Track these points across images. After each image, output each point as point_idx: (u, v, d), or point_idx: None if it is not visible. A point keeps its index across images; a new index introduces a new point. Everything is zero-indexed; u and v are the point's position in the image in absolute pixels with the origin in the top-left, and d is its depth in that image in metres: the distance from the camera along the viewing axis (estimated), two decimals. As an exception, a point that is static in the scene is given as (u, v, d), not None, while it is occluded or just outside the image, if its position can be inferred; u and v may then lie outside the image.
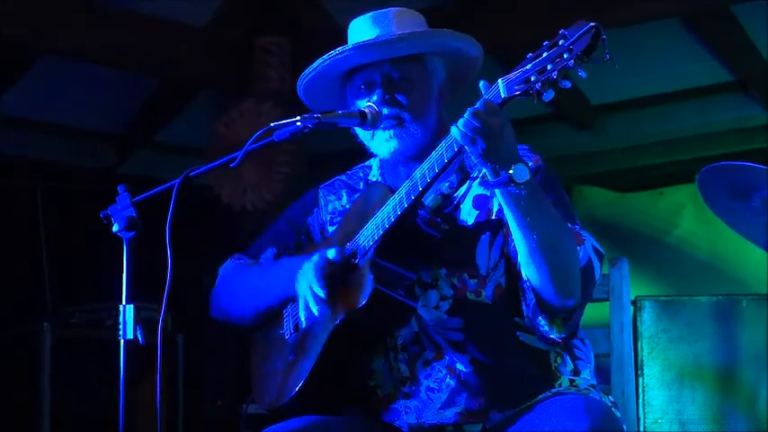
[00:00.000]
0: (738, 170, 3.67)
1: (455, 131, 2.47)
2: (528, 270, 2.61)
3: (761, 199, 3.73)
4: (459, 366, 2.72)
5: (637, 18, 5.85)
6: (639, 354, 4.62)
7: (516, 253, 2.68)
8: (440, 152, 2.61)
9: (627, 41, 5.84)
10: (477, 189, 2.81)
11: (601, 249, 2.70)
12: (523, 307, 2.70)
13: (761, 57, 6.24)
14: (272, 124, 2.69)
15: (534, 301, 2.64)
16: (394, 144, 2.81)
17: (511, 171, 2.45)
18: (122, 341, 2.68)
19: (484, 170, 2.51)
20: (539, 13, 5.74)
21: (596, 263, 2.66)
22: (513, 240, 2.68)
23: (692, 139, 6.98)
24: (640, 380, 4.59)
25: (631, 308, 3.54)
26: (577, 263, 2.61)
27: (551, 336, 2.68)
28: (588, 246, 2.66)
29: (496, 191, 2.53)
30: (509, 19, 6.02)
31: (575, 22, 2.36)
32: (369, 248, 2.72)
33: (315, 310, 2.73)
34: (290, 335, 2.90)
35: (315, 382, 2.75)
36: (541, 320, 2.66)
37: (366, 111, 2.78)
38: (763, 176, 3.60)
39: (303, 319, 2.81)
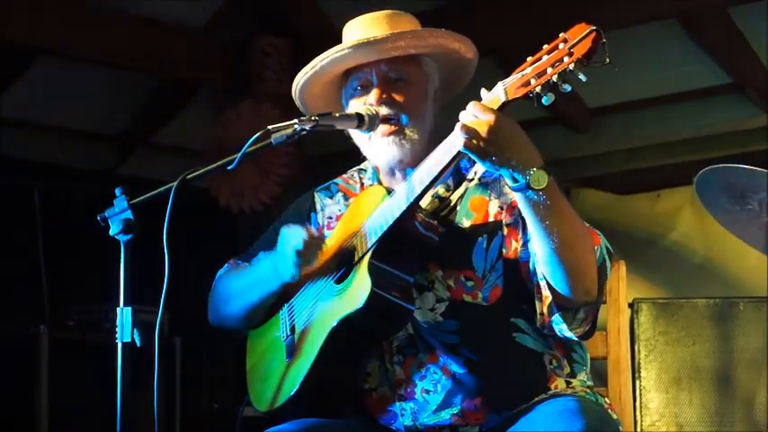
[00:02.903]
0: (736, 172, 3.66)
1: (454, 137, 2.47)
2: (546, 270, 2.61)
3: (759, 201, 3.73)
4: (454, 368, 2.72)
5: (634, 20, 5.85)
6: (637, 356, 4.63)
7: (523, 254, 2.69)
8: (438, 155, 2.61)
9: (624, 43, 5.84)
10: (473, 191, 2.81)
11: (611, 248, 2.71)
12: (537, 305, 2.70)
13: (758, 59, 6.24)
14: (269, 127, 2.69)
15: (551, 298, 2.64)
16: (394, 151, 2.81)
17: (528, 177, 2.45)
18: (119, 344, 2.68)
19: (502, 174, 2.50)
20: (538, 15, 5.73)
21: (608, 264, 2.68)
22: (515, 242, 2.69)
23: (689, 141, 6.97)
24: (637, 382, 4.60)
25: (628, 310, 3.55)
26: (595, 262, 2.62)
27: (567, 334, 2.68)
28: (603, 245, 2.67)
29: (514, 195, 2.53)
30: (508, 21, 6.02)
31: (574, 25, 2.36)
32: (366, 251, 2.71)
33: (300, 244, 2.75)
34: (286, 337, 2.90)
35: (311, 384, 2.75)
36: (558, 319, 2.65)
37: (364, 113, 2.78)
38: (761, 179, 3.60)
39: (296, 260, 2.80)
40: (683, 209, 7.01)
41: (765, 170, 3.55)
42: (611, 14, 5.61)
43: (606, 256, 2.66)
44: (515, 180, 2.47)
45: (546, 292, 2.64)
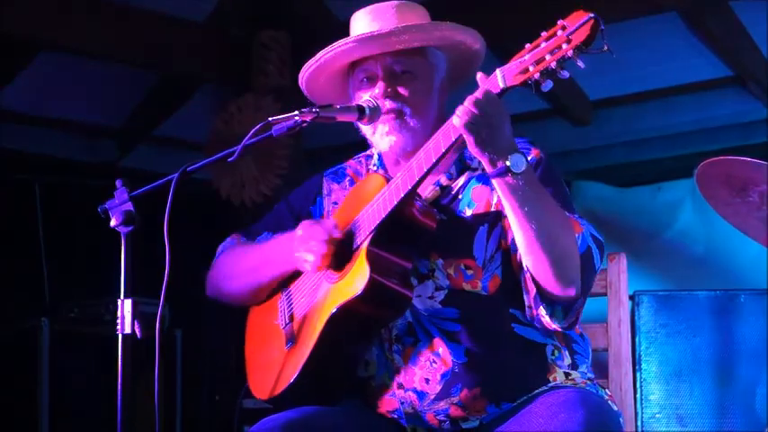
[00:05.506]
0: (737, 165, 3.66)
1: (455, 121, 2.48)
2: (527, 260, 2.62)
3: (759, 194, 3.73)
4: (454, 357, 2.72)
5: (635, 12, 5.84)
6: (637, 349, 4.63)
7: (513, 246, 2.69)
8: (436, 141, 2.61)
9: (625, 36, 5.84)
10: (476, 181, 2.82)
11: (600, 237, 2.70)
12: (525, 297, 2.70)
13: (759, 51, 6.24)
14: (270, 119, 2.70)
15: (535, 290, 2.64)
16: (393, 138, 2.82)
17: (508, 162, 2.47)
18: (120, 336, 2.68)
19: (480, 161, 2.52)
20: (540, 5, 5.73)
21: (596, 251, 2.67)
22: (512, 232, 2.69)
23: (690, 134, 6.98)
24: (638, 375, 4.60)
25: (629, 303, 3.54)
26: (576, 251, 2.61)
27: (553, 326, 2.68)
28: (587, 234, 2.66)
29: (494, 181, 2.54)
30: (510, 11, 6.02)
31: (572, 13, 2.37)
32: (365, 237, 2.72)
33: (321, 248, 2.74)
34: (285, 325, 2.90)
35: (310, 372, 2.76)
36: (542, 310, 2.66)
37: (364, 105, 2.78)
38: (761, 171, 3.60)
39: (309, 260, 2.78)
40: (684, 201, 7.01)
41: (766, 162, 3.55)
42: (612, 7, 5.60)
43: (592, 244, 2.66)
44: (494, 165, 2.49)
45: (530, 285, 2.65)
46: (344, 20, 2.98)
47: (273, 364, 2.88)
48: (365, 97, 2.82)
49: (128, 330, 2.68)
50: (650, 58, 6.47)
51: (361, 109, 2.78)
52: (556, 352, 2.79)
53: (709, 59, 6.49)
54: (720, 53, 6.41)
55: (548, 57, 2.37)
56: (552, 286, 2.61)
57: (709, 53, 6.43)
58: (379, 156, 2.99)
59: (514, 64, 2.44)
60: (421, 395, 2.75)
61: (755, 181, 3.62)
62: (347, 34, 2.92)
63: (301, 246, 2.78)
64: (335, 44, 2.85)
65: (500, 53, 5.77)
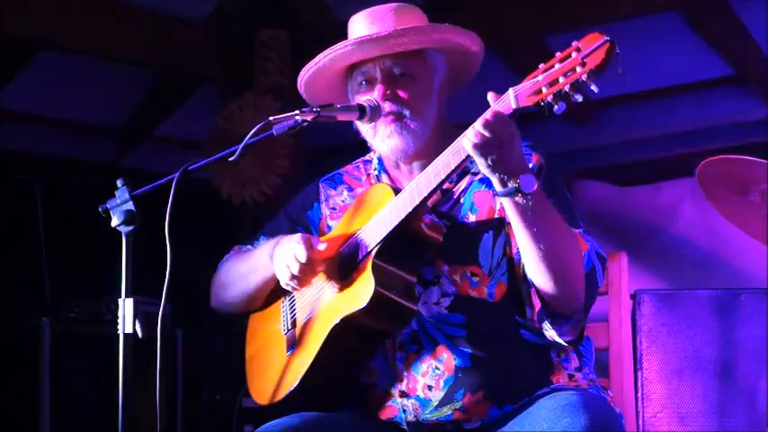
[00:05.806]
0: (737, 164, 3.66)
1: (465, 143, 2.46)
2: (533, 276, 2.62)
3: (760, 192, 3.72)
4: (457, 363, 2.71)
5: (635, 11, 5.84)
6: (638, 348, 4.62)
7: (518, 256, 2.68)
8: (446, 158, 2.60)
9: (626, 35, 5.83)
10: (478, 185, 2.81)
11: (603, 254, 2.70)
12: (528, 311, 2.70)
13: (760, 50, 6.23)
14: (270, 118, 2.70)
15: (540, 305, 2.64)
16: (394, 141, 2.81)
17: (518, 182, 2.45)
18: (121, 335, 2.68)
19: (492, 179, 2.50)
20: (540, 6, 5.72)
21: (599, 269, 2.67)
22: (516, 243, 2.69)
23: (690, 133, 6.97)
24: (639, 374, 4.60)
25: (630, 302, 3.54)
26: (582, 269, 2.62)
27: (558, 340, 2.68)
28: (592, 252, 2.66)
29: (503, 200, 2.53)
30: (510, 11, 6.01)
31: (587, 34, 2.32)
32: (370, 250, 2.71)
33: (295, 269, 2.74)
34: (287, 331, 2.90)
35: (313, 379, 2.76)
36: (547, 325, 2.66)
37: (365, 104, 2.78)
38: (762, 170, 3.60)
39: (288, 281, 2.80)
40: (685, 200, 7.01)
41: (766, 161, 3.55)
42: (612, 6, 5.60)
43: (596, 262, 2.66)
44: (505, 184, 2.47)
45: (536, 300, 2.65)
46: (345, 19, 2.98)
47: (274, 370, 2.88)
48: (363, 98, 2.82)
49: (129, 330, 2.68)
50: (650, 57, 6.46)
51: (362, 108, 2.78)
52: (562, 354, 2.79)
53: (710, 59, 6.48)
54: (720, 52, 6.40)
55: (561, 79, 2.33)
56: (556, 302, 2.62)
57: (709, 52, 6.42)
58: (380, 159, 2.99)
59: (528, 84, 2.40)
60: (424, 402, 2.75)
61: (756, 180, 3.62)
62: (348, 33, 2.91)
63: (279, 258, 2.80)
64: (334, 47, 2.85)
65: (499, 53, 5.80)
